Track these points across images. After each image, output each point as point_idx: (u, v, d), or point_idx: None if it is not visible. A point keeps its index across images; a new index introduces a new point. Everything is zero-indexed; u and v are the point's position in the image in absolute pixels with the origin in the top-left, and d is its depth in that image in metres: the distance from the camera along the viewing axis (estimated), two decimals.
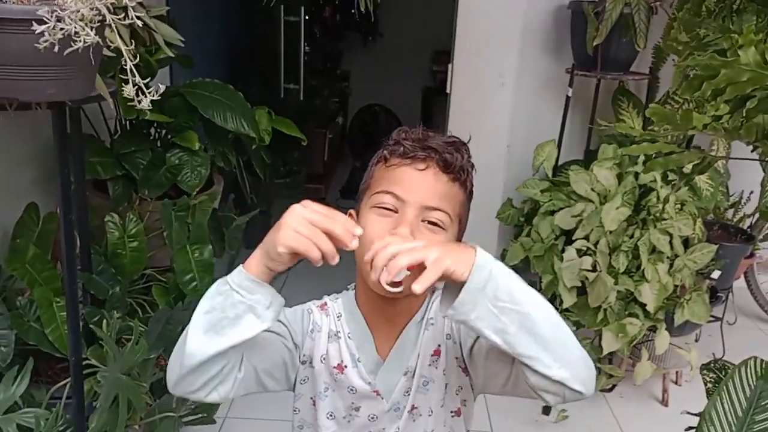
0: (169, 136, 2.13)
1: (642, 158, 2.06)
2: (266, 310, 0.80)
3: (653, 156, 1.14)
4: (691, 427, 1.15)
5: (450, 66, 2.57)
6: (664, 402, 2.47)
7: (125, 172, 2.02)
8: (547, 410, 2.39)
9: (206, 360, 0.79)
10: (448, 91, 2.58)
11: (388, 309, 0.95)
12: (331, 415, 0.99)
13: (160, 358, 1.90)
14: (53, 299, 1.68)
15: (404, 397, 0.97)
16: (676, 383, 2.57)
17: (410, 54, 5.38)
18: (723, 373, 1.30)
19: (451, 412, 1.00)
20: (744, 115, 1.05)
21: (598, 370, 2.36)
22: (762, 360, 1.15)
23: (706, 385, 1.31)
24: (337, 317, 1.00)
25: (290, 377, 0.98)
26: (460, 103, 2.55)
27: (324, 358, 0.97)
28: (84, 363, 1.53)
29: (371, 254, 0.78)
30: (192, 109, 2.00)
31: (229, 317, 0.78)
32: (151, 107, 1.06)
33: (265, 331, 0.83)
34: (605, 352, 2.12)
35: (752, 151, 1.17)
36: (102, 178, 1.99)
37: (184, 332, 0.81)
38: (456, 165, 0.91)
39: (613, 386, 2.53)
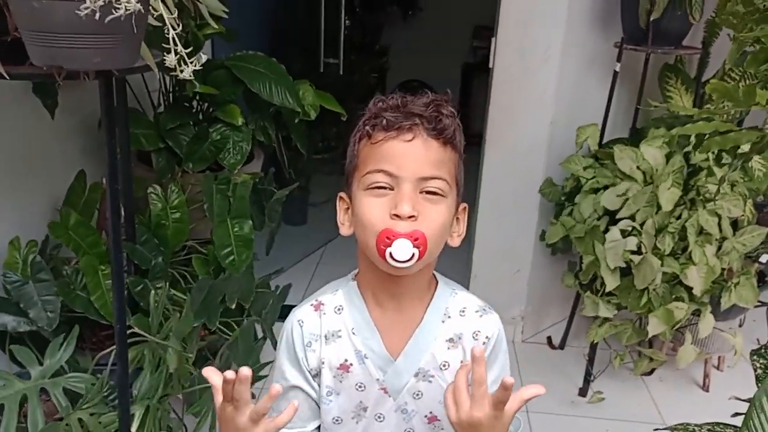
0: (212, 110, 2.14)
1: (693, 139, 1.99)
2: None
3: (708, 136, 1.09)
4: (738, 413, 1.12)
5: (493, 40, 2.51)
6: (705, 387, 2.42)
7: (167, 145, 2.04)
8: (583, 392, 2.37)
9: None
10: (490, 65, 2.52)
11: (395, 289, 0.92)
12: (337, 420, 0.97)
13: (202, 329, 1.94)
14: (98, 267, 1.72)
15: (414, 400, 0.94)
16: (717, 368, 2.52)
17: (450, 29, 5.29)
18: None
19: None
20: None
21: (639, 354, 2.32)
22: None
23: (756, 370, 1.27)
24: (337, 311, 0.96)
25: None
26: (503, 79, 2.50)
27: (324, 362, 0.95)
28: (128, 331, 1.56)
29: None
30: (236, 82, 2.00)
31: None
32: (192, 77, 1.06)
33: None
34: (650, 335, 2.08)
35: None
36: (146, 150, 2.01)
37: None
38: (443, 127, 0.87)
39: (653, 370, 2.49)
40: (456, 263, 2.99)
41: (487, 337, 0.94)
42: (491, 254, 2.67)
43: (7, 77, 1.13)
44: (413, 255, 0.82)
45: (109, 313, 1.66)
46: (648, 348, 2.29)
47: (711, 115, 1.02)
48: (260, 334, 2.07)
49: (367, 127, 0.88)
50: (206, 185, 1.89)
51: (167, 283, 1.77)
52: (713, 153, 1.90)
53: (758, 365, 1.27)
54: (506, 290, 2.66)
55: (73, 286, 1.73)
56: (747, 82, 1.83)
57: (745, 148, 1.19)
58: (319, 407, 0.98)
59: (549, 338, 2.74)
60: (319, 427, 0.99)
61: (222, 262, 1.84)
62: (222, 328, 1.94)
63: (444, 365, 0.94)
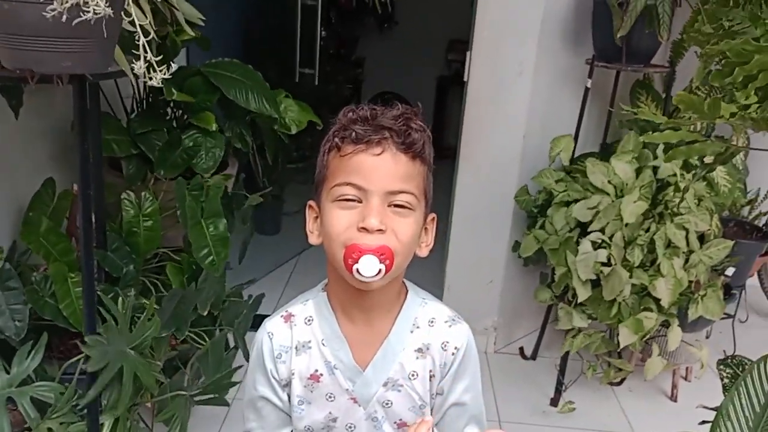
0: (185, 117, 2.12)
1: (662, 150, 2.04)
2: None
3: (675, 145, 1.12)
4: (705, 421, 1.15)
5: (468, 54, 2.55)
6: (674, 397, 2.46)
7: (140, 152, 2.02)
8: (554, 402, 2.39)
9: None
10: (465, 79, 2.55)
11: (364, 301, 0.92)
12: (309, 429, 0.97)
13: (171, 337, 1.91)
14: (68, 274, 1.69)
15: (383, 408, 0.95)
16: (685, 379, 2.56)
17: (425, 42, 5.35)
18: (740, 369, 1.29)
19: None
20: None
21: (608, 364, 2.35)
22: None
23: (722, 380, 1.30)
24: (307, 322, 0.96)
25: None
26: (477, 92, 2.53)
27: (294, 373, 0.95)
28: (91, 334, 1.53)
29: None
30: (211, 89, 1.99)
31: None
32: (161, 84, 1.05)
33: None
34: (621, 346, 2.11)
35: None
36: (117, 156, 1.99)
37: None
38: (412, 141, 0.87)
39: (622, 380, 2.52)
40: (429, 274, 3.00)
41: (456, 348, 0.95)
42: (464, 266, 2.68)
43: None
44: (380, 270, 0.83)
45: (78, 321, 1.63)
46: (617, 359, 2.32)
47: (678, 125, 1.05)
48: (232, 344, 2.05)
49: (336, 139, 0.89)
50: (179, 191, 1.87)
51: (136, 291, 1.74)
52: (678, 166, 1.95)
53: (725, 374, 1.30)
54: (479, 301, 2.68)
55: (42, 293, 1.70)
56: (714, 95, 1.89)
57: (710, 159, 1.23)
58: (289, 417, 0.98)
59: (521, 349, 2.76)
60: None
61: (201, 263, 1.82)
62: (193, 336, 1.92)
63: (413, 375, 0.95)
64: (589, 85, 2.41)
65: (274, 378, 0.96)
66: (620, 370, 2.33)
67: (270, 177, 3.06)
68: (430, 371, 0.95)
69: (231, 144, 2.19)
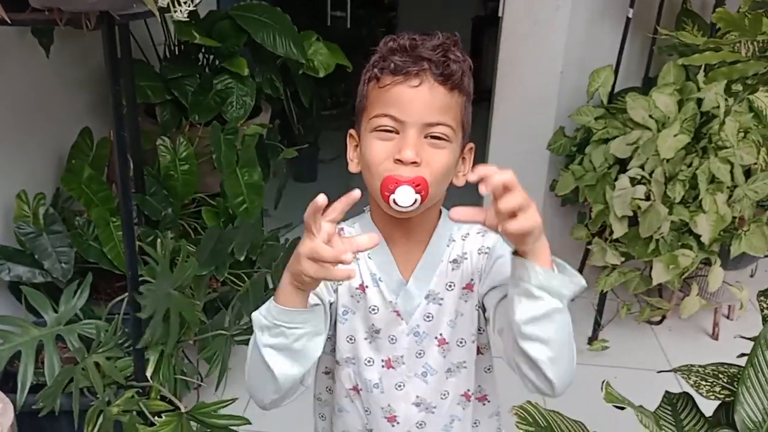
0: (217, 62, 2.13)
1: (702, 77, 1.95)
2: (322, 324, 0.85)
3: (716, 66, 1.08)
4: (743, 354, 1.13)
5: None
6: (715, 336, 2.43)
7: (174, 98, 2.04)
8: (592, 341, 2.38)
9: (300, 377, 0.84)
10: (500, 14, 2.48)
11: (404, 224, 0.94)
12: (350, 339, 0.99)
13: (212, 280, 1.96)
14: (110, 219, 1.74)
15: (425, 322, 0.97)
16: (728, 317, 2.52)
17: None
18: None
19: (478, 346, 1.00)
20: None
21: (645, 302, 2.32)
22: None
23: (762, 311, 1.27)
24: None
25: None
26: (512, 28, 2.45)
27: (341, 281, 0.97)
28: (140, 280, 1.58)
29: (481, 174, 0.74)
30: (240, 32, 1.98)
31: (299, 348, 0.81)
32: (186, 18, 1.05)
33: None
34: (654, 283, 2.08)
35: None
36: (152, 103, 2.01)
37: (254, 363, 0.85)
38: (451, 72, 0.86)
39: (663, 318, 2.49)
40: None
41: (488, 248, 0.96)
42: None
43: (9, 23, 1.12)
44: (416, 201, 0.84)
45: (121, 263, 1.69)
46: (656, 297, 2.29)
47: (718, 45, 1.00)
48: (270, 286, 2.10)
49: (376, 69, 0.89)
50: (214, 136, 1.89)
51: (175, 234, 1.79)
52: (721, 93, 1.86)
53: (765, 306, 1.27)
54: None
55: (86, 237, 1.76)
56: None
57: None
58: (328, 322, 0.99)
59: None
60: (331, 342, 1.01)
61: (235, 210, 1.86)
62: (233, 279, 1.96)
63: (449, 286, 0.97)
64: (630, 15, 2.30)
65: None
66: (658, 309, 2.30)
67: (305, 124, 3.06)
68: (471, 280, 0.96)
69: (262, 90, 2.19)
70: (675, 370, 1.27)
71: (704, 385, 1.15)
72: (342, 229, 1.00)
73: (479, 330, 1.00)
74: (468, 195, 1.11)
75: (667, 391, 1.27)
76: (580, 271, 2.62)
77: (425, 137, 0.86)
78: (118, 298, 1.65)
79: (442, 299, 0.97)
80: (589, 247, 2.32)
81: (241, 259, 1.87)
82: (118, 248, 1.72)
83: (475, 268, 0.96)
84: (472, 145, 0.96)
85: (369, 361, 1.00)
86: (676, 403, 1.24)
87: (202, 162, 2.01)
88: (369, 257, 0.97)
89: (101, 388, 1.46)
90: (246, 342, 1.81)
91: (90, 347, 1.50)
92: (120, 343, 1.62)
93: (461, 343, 0.99)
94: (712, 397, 1.15)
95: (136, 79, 1.89)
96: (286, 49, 2.00)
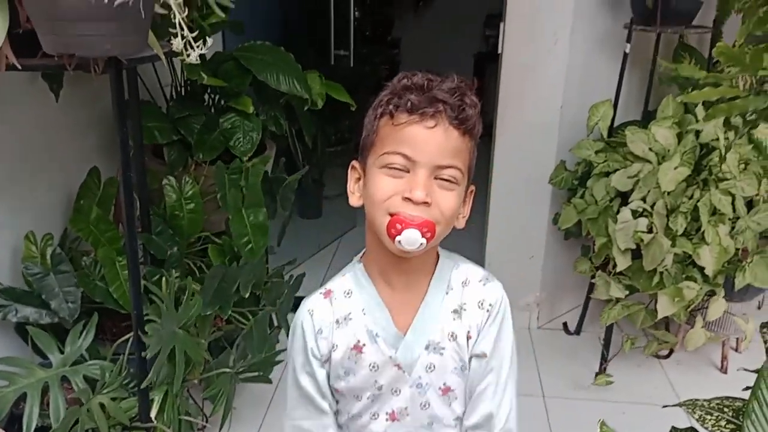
0: (223, 102, 2.17)
1: (703, 113, 1.97)
2: None
3: (715, 102, 1.09)
4: (749, 387, 1.12)
5: (502, 25, 2.51)
6: (723, 369, 2.41)
7: (181, 137, 2.07)
8: (597, 376, 2.36)
9: None
10: (499, 51, 2.52)
11: (402, 265, 0.93)
12: (357, 397, 1.00)
13: (217, 318, 1.97)
14: (116, 258, 1.75)
15: (427, 373, 0.96)
16: (736, 350, 2.50)
17: (462, 19, 5.29)
18: None
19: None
20: None
21: (652, 336, 2.31)
22: None
23: (766, 343, 1.27)
24: (347, 295, 0.98)
25: None
26: (513, 64, 2.50)
27: (335, 347, 0.97)
28: (146, 319, 1.59)
29: None
30: (244, 72, 2.03)
31: None
32: (198, 61, 1.08)
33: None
34: (660, 316, 2.07)
35: None
36: (159, 143, 2.05)
37: None
38: (466, 117, 0.87)
39: (671, 352, 2.47)
40: (468, 250, 2.98)
41: (490, 305, 0.96)
42: (505, 241, 2.67)
43: (20, 68, 1.16)
44: (421, 244, 0.85)
45: (127, 302, 1.70)
46: (662, 330, 2.28)
47: (718, 80, 1.02)
48: (275, 323, 2.10)
49: (390, 106, 0.89)
50: (218, 175, 1.92)
51: (181, 272, 1.80)
52: (720, 127, 1.87)
53: (767, 338, 1.27)
54: (521, 277, 2.66)
55: (92, 277, 1.77)
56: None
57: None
58: (329, 398, 1.01)
59: (565, 324, 2.74)
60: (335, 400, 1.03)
61: (241, 250, 1.88)
62: (237, 317, 1.97)
63: (452, 336, 0.96)
64: (627, 50, 2.34)
65: (314, 356, 0.98)
66: (663, 342, 2.28)
67: (310, 161, 3.09)
68: (468, 332, 0.95)
69: (267, 128, 2.22)
70: (680, 405, 1.26)
71: (709, 420, 1.14)
72: (329, 290, 0.99)
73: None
74: (463, 236, 1.12)
75: (673, 427, 1.26)
76: (586, 303, 2.63)
77: (435, 179, 0.87)
78: (123, 338, 1.65)
79: (443, 348, 0.95)
80: (593, 281, 2.32)
81: (246, 296, 1.88)
82: (123, 287, 1.73)
83: (473, 322, 0.95)
84: (473, 188, 0.97)
85: (374, 416, 0.99)
86: None
87: (208, 200, 2.04)
88: (363, 313, 0.96)
89: (106, 430, 1.45)
90: (251, 380, 1.82)
91: (95, 388, 1.50)
92: (125, 384, 1.62)
93: (465, 393, 0.98)
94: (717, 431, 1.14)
95: (144, 120, 1.93)
96: (290, 86, 2.03)
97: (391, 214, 0.86)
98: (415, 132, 0.86)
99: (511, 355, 0.98)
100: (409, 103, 0.86)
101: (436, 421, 0.98)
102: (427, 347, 0.95)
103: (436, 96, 0.86)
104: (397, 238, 0.85)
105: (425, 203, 0.85)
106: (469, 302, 0.96)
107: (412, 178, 0.86)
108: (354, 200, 0.95)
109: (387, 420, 0.99)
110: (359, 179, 0.94)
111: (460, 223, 0.95)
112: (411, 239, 0.84)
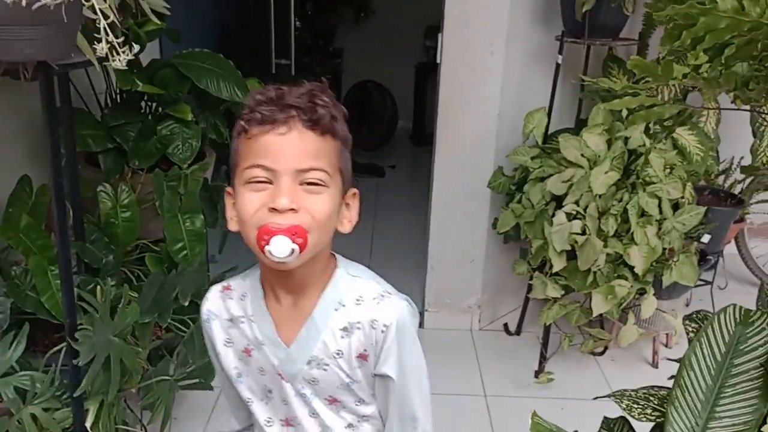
0: (160, 109, 2.14)
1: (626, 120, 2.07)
2: None
3: (635, 110, 1.15)
4: (673, 376, 1.18)
5: (440, 36, 2.57)
6: (654, 363, 2.51)
7: (116, 145, 2.03)
8: (538, 374, 2.43)
9: None
10: (438, 61, 2.58)
11: (290, 279, 0.92)
12: (249, 400, 1.02)
13: (157, 327, 1.93)
14: (48, 268, 1.70)
15: (310, 385, 0.96)
16: (666, 346, 2.61)
17: (403, 30, 5.35)
18: (704, 323, 1.32)
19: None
20: (723, 63, 1.06)
21: (588, 334, 2.39)
22: (741, 306, 1.18)
23: (688, 334, 1.34)
24: (242, 298, 0.98)
25: None
26: (451, 73, 2.56)
27: (228, 342, 0.99)
28: (80, 328, 1.55)
29: None
30: (183, 79, 2.00)
31: None
32: (125, 67, 1.07)
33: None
34: (594, 314, 2.15)
35: (732, 102, 1.19)
36: (93, 151, 2.00)
37: None
38: (319, 117, 0.86)
39: (605, 349, 2.57)
40: (411, 256, 3.04)
41: (385, 326, 0.92)
42: (446, 246, 2.71)
43: None
44: (293, 251, 0.83)
45: (59, 312, 1.65)
46: (596, 328, 2.37)
47: (636, 90, 1.08)
48: None
49: (242, 122, 0.88)
50: (156, 182, 1.89)
51: (117, 281, 1.76)
52: (642, 132, 1.97)
53: (690, 329, 1.34)
54: (462, 280, 2.71)
55: (23, 287, 1.72)
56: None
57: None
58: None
59: (505, 325, 2.80)
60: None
61: (175, 257, 1.85)
62: (178, 325, 1.94)
63: (338, 353, 0.94)
64: (559, 61, 2.44)
65: (212, 342, 1.01)
66: (599, 340, 2.37)
67: None
68: (364, 350, 0.93)
69: (207, 135, 2.20)
70: (609, 396, 1.32)
71: (636, 408, 1.20)
72: (229, 286, 1.00)
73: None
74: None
75: (605, 417, 1.31)
76: (525, 304, 2.70)
77: (300, 184, 0.85)
78: (56, 348, 1.61)
79: (327, 365, 0.94)
80: (531, 282, 2.39)
81: (186, 304, 1.86)
82: (56, 297, 1.68)
83: (368, 341, 0.93)
84: (355, 190, 0.94)
85: (269, 421, 1.01)
86: (613, 428, 1.29)
87: (146, 208, 2.00)
88: (251, 320, 0.96)
89: None
90: (191, 387, 1.79)
91: (26, 399, 1.46)
92: (59, 395, 1.57)
93: (359, 402, 0.98)
94: (644, 419, 1.19)
95: (77, 128, 1.89)
96: (230, 93, 2.02)
97: (260, 228, 0.84)
98: (269, 141, 0.85)
99: (418, 377, 0.97)
100: (259, 115, 0.85)
101: (326, 429, 0.98)
102: (309, 362, 0.94)
103: (286, 102, 0.85)
104: (267, 248, 0.82)
105: (292, 210, 0.83)
106: (363, 320, 0.93)
107: (275, 188, 0.84)
108: (232, 225, 0.92)
109: (283, 426, 1.00)
110: (234, 204, 0.91)
111: (346, 228, 0.93)
112: (280, 245, 0.82)
